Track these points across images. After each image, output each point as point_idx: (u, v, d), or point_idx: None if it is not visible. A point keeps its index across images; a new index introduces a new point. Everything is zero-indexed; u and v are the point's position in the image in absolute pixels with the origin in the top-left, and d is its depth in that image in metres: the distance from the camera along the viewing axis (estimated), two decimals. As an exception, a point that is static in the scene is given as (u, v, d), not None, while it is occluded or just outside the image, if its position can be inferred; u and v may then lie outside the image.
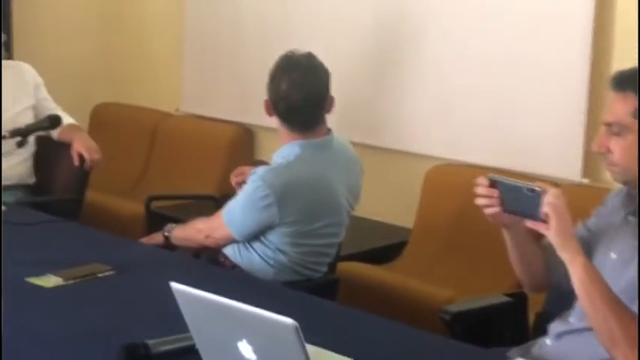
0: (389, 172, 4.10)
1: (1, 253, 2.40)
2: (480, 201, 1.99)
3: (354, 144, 2.94)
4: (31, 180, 3.65)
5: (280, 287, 2.52)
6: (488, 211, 1.99)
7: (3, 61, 3.61)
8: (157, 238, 2.88)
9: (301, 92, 2.62)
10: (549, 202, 1.86)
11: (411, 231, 3.88)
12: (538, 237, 2.03)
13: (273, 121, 2.73)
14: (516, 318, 2.43)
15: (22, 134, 3.16)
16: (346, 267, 3.33)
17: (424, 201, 3.86)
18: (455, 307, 2.43)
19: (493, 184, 1.98)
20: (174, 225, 2.89)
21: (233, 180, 2.90)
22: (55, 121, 3.29)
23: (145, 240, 2.92)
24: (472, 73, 3.78)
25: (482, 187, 1.99)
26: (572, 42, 3.47)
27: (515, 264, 2.14)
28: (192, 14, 4.91)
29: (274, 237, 2.61)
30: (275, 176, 2.56)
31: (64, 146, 3.53)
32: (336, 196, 2.67)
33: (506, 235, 2.09)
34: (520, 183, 1.94)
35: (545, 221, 1.88)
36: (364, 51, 4.18)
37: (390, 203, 4.08)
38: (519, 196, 1.93)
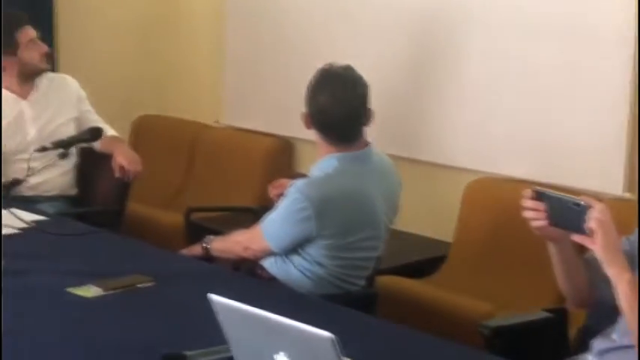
0: (427, 185, 4.08)
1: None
2: (526, 214, 1.98)
3: (393, 157, 2.93)
4: (73, 191, 3.70)
5: (318, 300, 2.52)
6: (534, 224, 1.98)
7: (48, 74, 3.66)
8: (196, 249, 2.90)
9: (340, 105, 2.62)
10: (595, 217, 1.85)
11: (450, 245, 3.85)
12: (581, 251, 2.01)
13: (312, 134, 2.73)
14: (556, 334, 2.40)
15: (64, 146, 3.20)
16: (385, 281, 3.32)
17: (463, 214, 3.84)
18: (494, 322, 2.41)
19: (539, 197, 1.97)
20: (213, 237, 2.90)
21: (272, 192, 2.91)
22: (96, 133, 3.33)
23: (184, 251, 2.94)
24: (512, 86, 3.76)
25: (528, 200, 1.98)
26: (613, 55, 3.43)
27: (560, 278, 2.12)
28: (233, 27, 4.95)
29: (312, 250, 2.61)
30: (313, 189, 2.57)
31: (106, 158, 3.56)
32: (374, 210, 2.67)
33: (552, 249, 2.07)
34: (566, 196, 1.93)
35: (591, 236, 1.86)
36: (403, 63, 4.17)
37: (428, 216, 4.06)
38: (565, 210, 1.91)
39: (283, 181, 2.91)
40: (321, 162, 2.67)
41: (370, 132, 2.77)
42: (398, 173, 2.85)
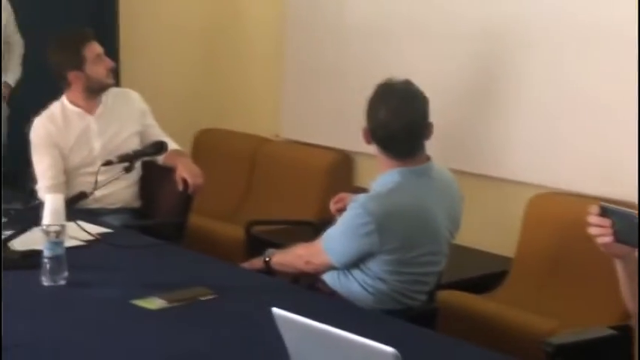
0: (489, 200, 4.05)
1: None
2: (592, 230, 1.96)
3: (454, 170, 2.92)
4: (137, 204, 3.75)
5: (379, 315, 2.51)
6: (600, 240, 1.95)
7: (112, 89, 3.73)
8: (257, 263, 2.91)
9: (400, 120, 2.62)
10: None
11: (512, 260, 3.82)
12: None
13: (372, 149, 2.73)
14: (621, 351, 2.36)
15: (129, 160, 3.25)
16: (446, 296, 3.30)
17: (526, 229, 3.79)
18: (558, 339, 2.38)
19: (605, 212, 1.94)
20: (274, 250, 2.92)
21: (332, 207, 2.92)
22: (160, 147, 3.37)
23: (245, 265, 2.96)
24: (575, 100, 3.72)
25: (594, 216, 1.95)
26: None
27: (625, 295, 2.08)
28: (292, 41, 4.98)
29: (374, 265, 2.61)
30: (375, 204, 2.57)
31: (169, 171, 3.61)
32: (436, 225, 2.65)
33: (618, 266, 2.04)
34: (632, 212, 1.90)
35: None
36: (464, 77, 4.15)
37: (490, 231, 4.02)
38: (631, 226, 1.88)
39: (344, 195, 2.92)
40: (382, 177, 2.67)
41: (431, 146, 2.75)
42: (459, 188, 2.83)
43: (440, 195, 2.69)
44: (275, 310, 1.69)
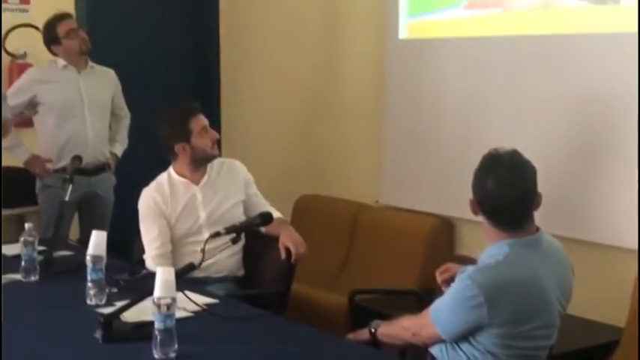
0: (597, 268, 3.95)
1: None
2: None
3: (561, 238, 2.85)
4: (241, 272, 3.79)
5: (489, 389, 2.46)
6: None
7: (217, 159, 3.80)
8: (363, 334, 2.89)
9: (509, 191, 2.59)
10: None
11: (622, 329, 3.69)
12: None
13: (474, 216, 2.69)
14: None
15: (236, 231, 3.29)
16: (557, 369, 3.20)
17: (636, 297, 3.67)
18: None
19: None
20: (380, 321, 2.89)
21: (439, 277, 2.88)
22: (266, 218, 3.41)
23: (351, 336, 2.94)
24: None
25: None
26: None
27: None
28: (391, 108, 5.01)
29: (483, 338, 2.56)
30: (484, 276, 2.53)
31: (272, 240, 3.64)
32: (547, 297, 2.59)
33: None
34: None
35: None
36: (569, 145, 4.10)
37: (599, 300, 3.91)
38: None
39: (451, 265, 2.88)
40: (490, 248, 2.63)
41: (536, 213, 2.71)
42: (569, 259, 2.77)
43: (550, 266, 2.64)
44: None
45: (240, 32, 6.17)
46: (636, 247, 3.76)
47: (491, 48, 4.46)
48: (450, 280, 2.75)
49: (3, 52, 5.31)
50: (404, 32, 4.92)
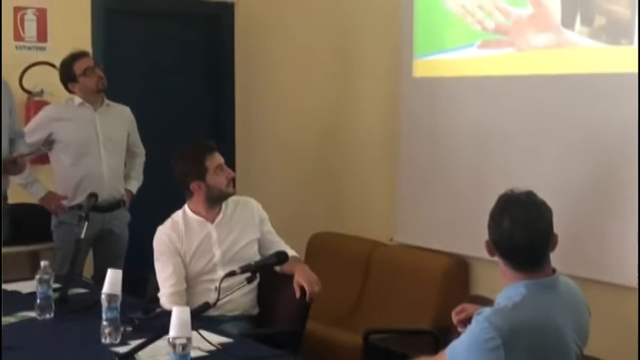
0: (612, 307, 3.92)
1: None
2: None
3: (577, 278, 2.84)
4: (255, 311, 3.78)
5: None
6: None
7: (232, 197, 3.81)
8: (378, 375, 2.88)
9: (525, 231, 2.58)
10: None
11: (638, 371, 3.67)
12: None
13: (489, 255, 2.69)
14: None
15: (251, 270, 3.29)
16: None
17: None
18: None
19: None
20: (395, 363, 2.88)
21: (455, 318, 2.86)
22: (282, 257, 3.41)
23: (366, 377, 2.93)
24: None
25: None
26: None
27: None
28: (405, 146, 5.02)
29: (500, 380, 2.54)
30: (501, 318, 2.51)
31: (286, 278, 3.63)
32: (564, 340, 2.57)
33: None
34: None
35: None
36: (582, 182, 4.09)
37: (615, 340, 3.88)
38: None
39: (467, 306, 2.87)
40: (507, 289, 2.62)
41: (553, 253, 2.69)
42: (586, 301, 2.75)
43: (568, 309, 2.62)
44: None
45: (255, 70, 6.22)
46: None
47: (505, 87, 4.47)
48: (466, 321, 2.74)
49: (20, 90, 5.35)
50: (417, 70, 4.95)
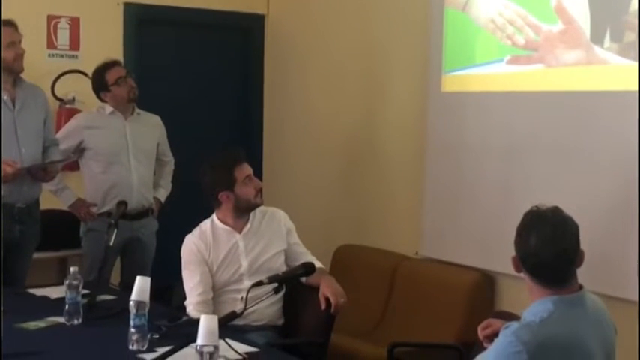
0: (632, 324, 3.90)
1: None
2: None
3: (603, 296, 2.83)
4: (280, 321, 3.80)
5: None
6: None
7: (260, 208, 3.83)
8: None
9: (552, 248, 2.58)
10: None
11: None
12: None
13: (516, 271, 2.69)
14: None
15: (278, 281, 3.31)
16: None
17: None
18: None
19: None
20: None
21: (481, 333, 2.86)
22: (309, 268, 3.43)
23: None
24: None
25: None
26: None
27: None
28: (432, 159, 5.02)
29: (526, 395, 2.54)
30: (528, 333, 2.51)
31: (312, 289, 3.65)
32: (590, 357, 2.57)
33: None
34: None
35: None
36: (610, 199, 4.08)
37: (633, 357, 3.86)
38: None
39: (493, 321, 2.87)
40: (534, 305, 2.62)
41: (579, 271, 2.69)
42: (612, 318, 2.75)
43: (594, 326, 2.62)
44: None
45: (284, 82, 6.26)
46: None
47: (534, 102, 4.47)
48: (492, 336, 2.74)
49: (52, 97, 5.42)
50: (445, 85, 4.96)
